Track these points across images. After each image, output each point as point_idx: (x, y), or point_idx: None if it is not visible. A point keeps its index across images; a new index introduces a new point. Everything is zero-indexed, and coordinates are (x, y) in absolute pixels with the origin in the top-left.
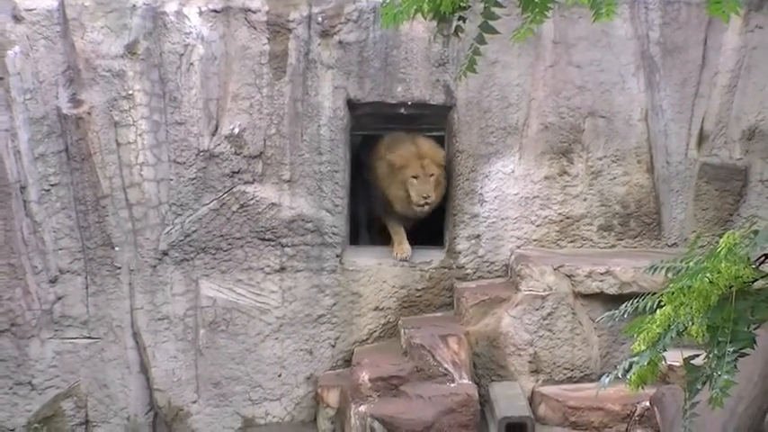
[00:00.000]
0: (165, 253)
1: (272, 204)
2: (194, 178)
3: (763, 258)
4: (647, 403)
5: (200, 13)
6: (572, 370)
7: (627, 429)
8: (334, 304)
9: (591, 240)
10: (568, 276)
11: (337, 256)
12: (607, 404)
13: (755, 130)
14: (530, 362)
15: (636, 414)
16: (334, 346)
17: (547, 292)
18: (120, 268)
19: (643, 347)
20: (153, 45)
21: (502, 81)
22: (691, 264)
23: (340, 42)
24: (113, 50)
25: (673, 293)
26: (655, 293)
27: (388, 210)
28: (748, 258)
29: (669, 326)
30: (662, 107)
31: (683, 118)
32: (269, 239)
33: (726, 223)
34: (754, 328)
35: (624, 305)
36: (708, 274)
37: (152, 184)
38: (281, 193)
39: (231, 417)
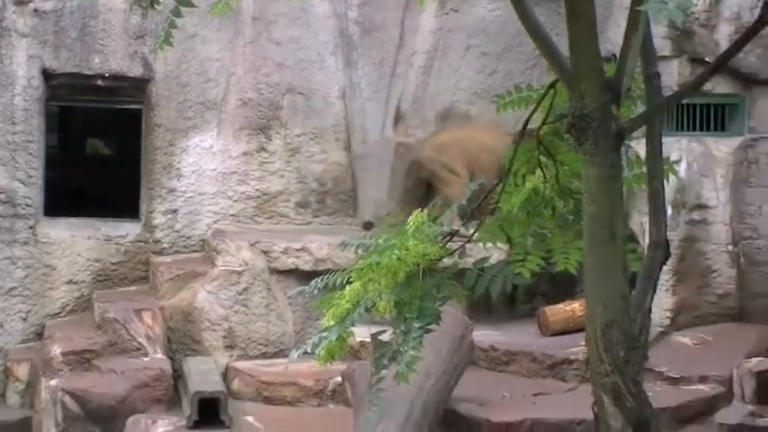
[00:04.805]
0: None
1: None
2: None
3: (449, 237)
4: (339, 379)
5: None
6: (266, 345)
7: (319, 404)
8: (26, 276)
9: (288, 217)
10: (264, 252)
11: (30, 227)
12: (300, 379)
13: (449, 112)
14: (224, 337)
15: (328, 389)
16: (25, 320)
17: (243, 268)
18: None
19: (332, 323)
20: None
21: (201, 55)
22: (380, 241)
23: (35, 11)
24: None
25: (362, 269)
26: (345, 269)
27: None
28: (436, 236)
29: (358, 301)
30: (360, 86)
31: (380, 97)
32: None
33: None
34: (440, 305)
35: (314, 281)
36: (396, 251)
37: None
38: None
39: None
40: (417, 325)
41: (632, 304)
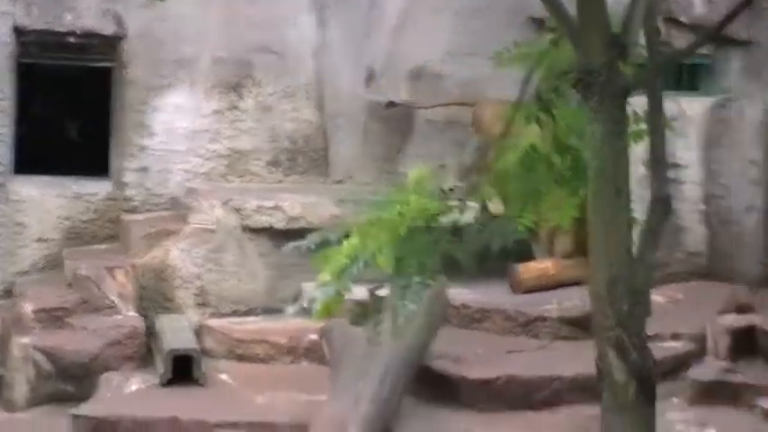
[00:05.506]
0: None
1: None
2: None
3: (449, 192)
4: (313, 336)
5: None
6: (238, 303)
7: (292, 362)
8: None
9: (259, 175)
10: (237, 210)
11: (0, 185)
12: (273, 337)
13: (421, 71)
14: (196, 295)
15: (301, 347)
16: None
17: (215, 226)
18: None
19: (329, 278)
20: None
21: (174, 13)
22: (379, 197)
23: None
24: None
25: (362, 225)
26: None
27: None
28: (435, 192)
29: (356, 257)
30: (332, 45)
31: (353, 56)
32: None
33: (392, 161)
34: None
35: (311, 236)
36: (397, 207)
37: None
38: None
39: None
40: (417, 280)
41: (635, 259)
